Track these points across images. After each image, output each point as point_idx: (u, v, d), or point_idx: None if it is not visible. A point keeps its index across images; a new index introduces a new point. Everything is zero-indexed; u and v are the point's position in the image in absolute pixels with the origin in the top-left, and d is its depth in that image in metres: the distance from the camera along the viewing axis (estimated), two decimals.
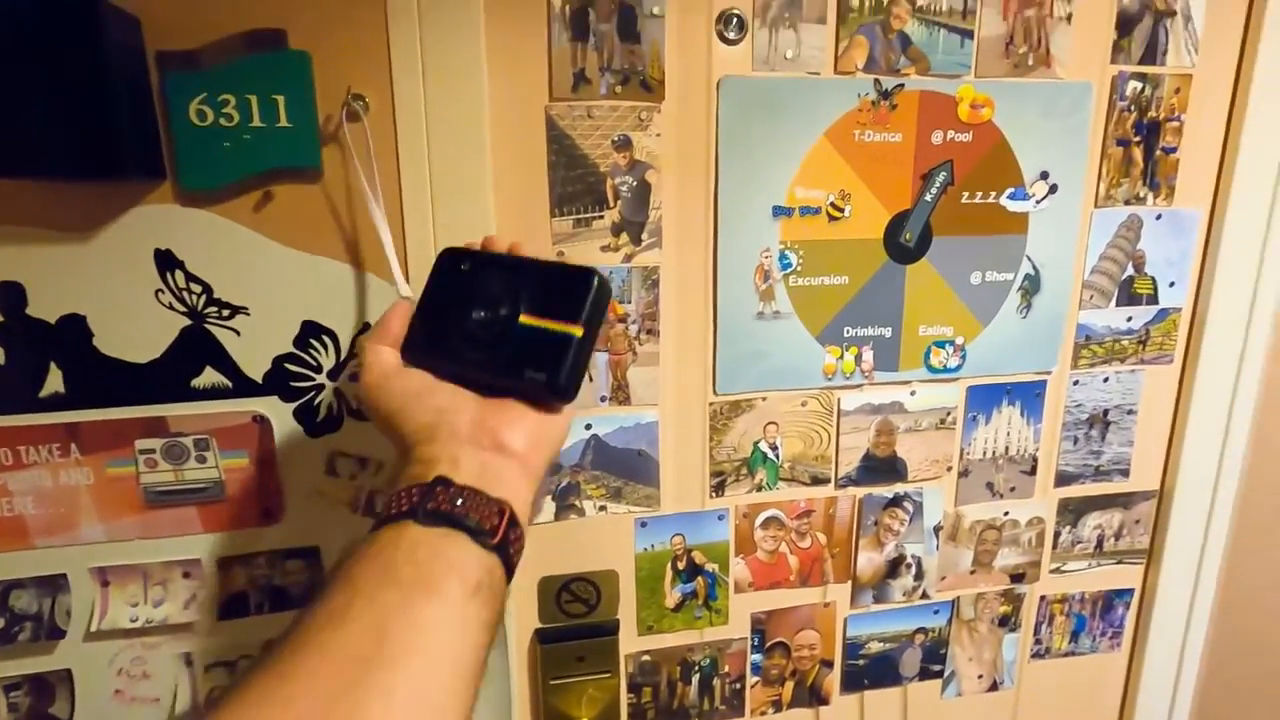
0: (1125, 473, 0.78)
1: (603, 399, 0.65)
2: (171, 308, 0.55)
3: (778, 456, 0.69)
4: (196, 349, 0.56)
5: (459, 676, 0.32)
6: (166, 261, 0.54)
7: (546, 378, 0.40)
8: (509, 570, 0.37)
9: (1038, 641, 0.81)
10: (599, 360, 0.64)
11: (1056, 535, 0.78)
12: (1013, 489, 0.75)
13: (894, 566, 0.75)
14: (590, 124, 0.59)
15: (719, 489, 0.69)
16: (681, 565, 0.70)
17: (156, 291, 0.54)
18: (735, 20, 0.60)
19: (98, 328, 0.54)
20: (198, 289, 0.55)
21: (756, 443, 0.69)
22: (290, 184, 0.54)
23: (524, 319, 0.42)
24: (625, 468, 0.67)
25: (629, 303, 0.63)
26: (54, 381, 0.54)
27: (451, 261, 0.45)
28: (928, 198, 0.66)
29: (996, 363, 0.72)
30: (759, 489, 0.70)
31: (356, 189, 0.55)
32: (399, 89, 0.54)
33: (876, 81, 0.63)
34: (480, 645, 0.33)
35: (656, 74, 0.59)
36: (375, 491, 0.61)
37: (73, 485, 0.56)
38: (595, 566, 0.69)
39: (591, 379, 0.64)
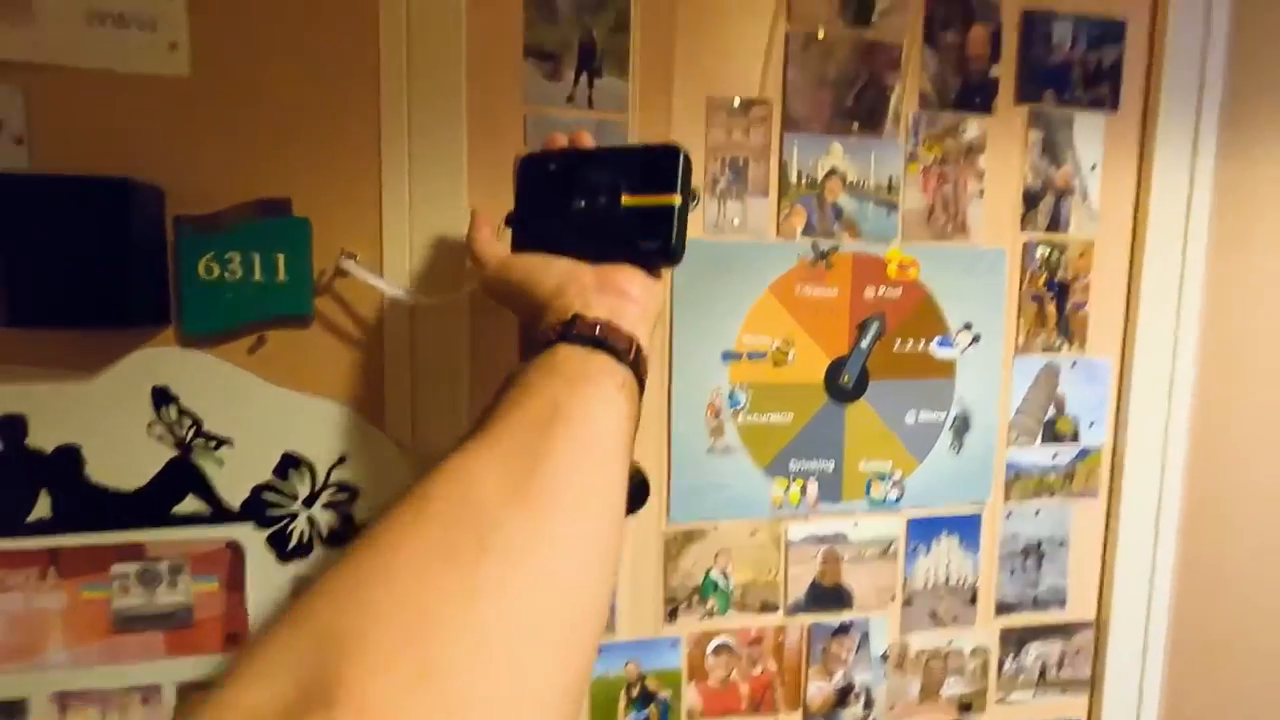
0: (1062, 603, 0.82)
1: None
2: (161, 439, 0.59)
3: (729, 584, 0.73)
4: (181, 478, 0.60)
5: (618, 443, 0.38)
6: (162, 397, 0.59)
7: (660, 245, 0.46)
8: (641, 390, 0.42)
9: None
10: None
11: (1000, 664, 0.81)
12: (955, 618, 0.79)
13: (843, 695, 0.77)
14: None
15: (672, 615, 0.72)
16: (635, 693, 0.72)
17: (149, 424, 0.59)
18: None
19: (90, 458, 0.58)
20: (188, 422, 0.59)
21: (708, 571, 0.72)
22: (283, 329, 0.60)
23: (625, 200, 0.47)
24: None
25: None
26: (42, 507, 0.58)
27: (536, 165, 0.50)
28: (863, 345, 0.73)
29: (933, 496, 0.77)
30: (710, 616, 0.73)
31: (344, 332, 0.61)
32: (388, 250, 0.61)
33: (814, 244, 0.71)
34: (628, 431, 0.39)
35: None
36: None
37: (45, 609, 0.58)
38: None
39: None
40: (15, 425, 0.56)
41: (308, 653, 0.25)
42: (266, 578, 0.62)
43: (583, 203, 0.48)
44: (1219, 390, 0.81)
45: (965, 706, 0.80)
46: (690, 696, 0.73)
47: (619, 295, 0.45)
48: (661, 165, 0.47)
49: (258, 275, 0.58)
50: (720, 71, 0.68)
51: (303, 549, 0.62)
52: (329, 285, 0.60)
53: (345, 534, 0.63)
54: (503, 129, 0.64)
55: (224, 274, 0.58)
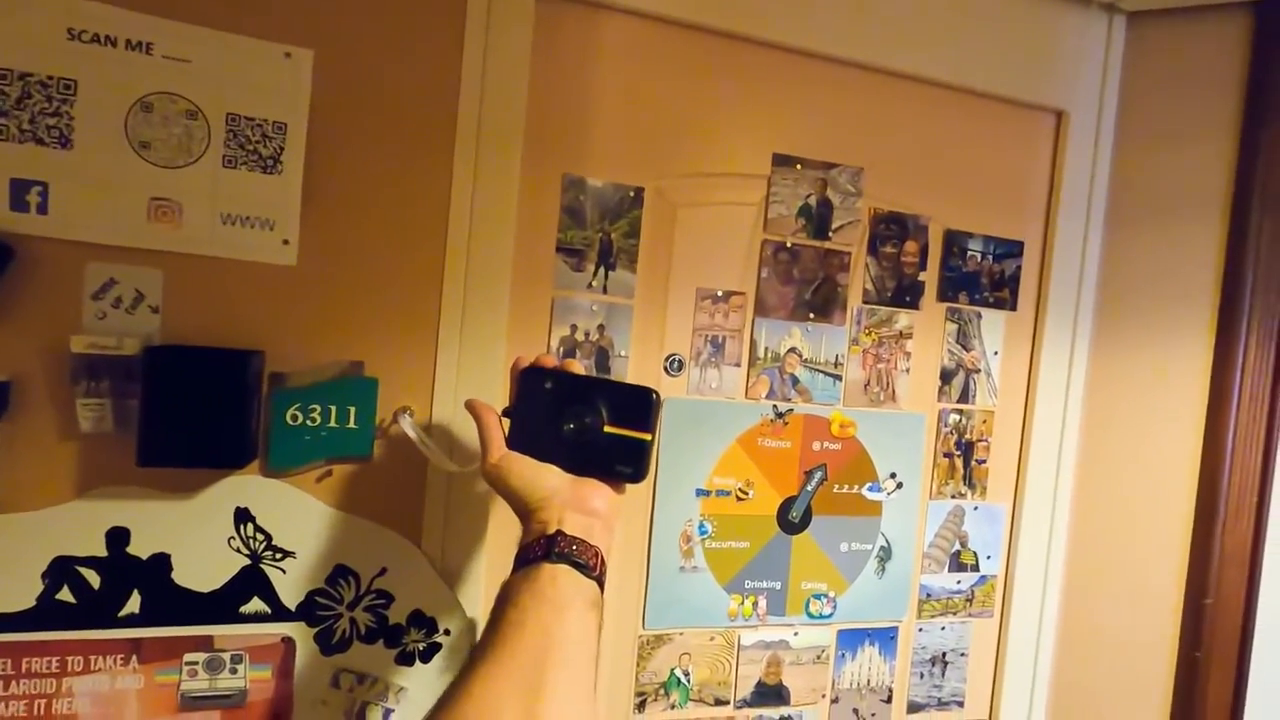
0: (961, 703, 0.99)
1: None
2: (238, 550, 0.72)
3: (689, 681, 0.88)
4: (250, 583, 0.72)
5: (591, 657, 0.52)
6: (242, 516, 0.72)
7: (633, 471, 0.60)
8: (602, 589, 0.57)
9: None
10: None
11: None
12: (873, 715, 0.95)
13: None
14: None
15: (640, 707, 0.86)
16: None
17: (229, 538, 0.71)
18: (677, 361, 0.85)
19: (178, 564, 0.70)
20: (261, 537, 0.72)
21: (673, 669, 0.87)
22: (347, 465, 0.74)
23: (607, 429, 0.60)
24: None
25: None
26: (132, 604, 0.69)
27: (535, 378, 0.62)
28: (809, 488, 0.90)
29: (860, 612, 0.93)
30: (672, 708, 0.87)
31: (395, 469, 0.75)
32: (437, 400, 0.76)
33: (774, 406, 0.89)
34: (597, 641, 0.54)
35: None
36: (366, 703, 0.76)
37: (124, 689, 0.70)
38: None
39: None
40: (121, 536, 0.69)
41: None
42: (311, 667, 0.74)
43: (572, 425, 0.61)
44: (1089, 530, 1.01)
45: None
46: None
47: (589, 513, 0.59)
48: (639, 404, 0.61)
49: (333, 422, 0.72)
50: (708, 268, 0.86)
51: (343, 644, 0.75)
52: (387, 432, 0.75)
53: (379, 632, 0.76)
54: (536, 309, 0.80)
55: (305, 420, 0.72)
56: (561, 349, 0.81)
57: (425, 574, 0.76)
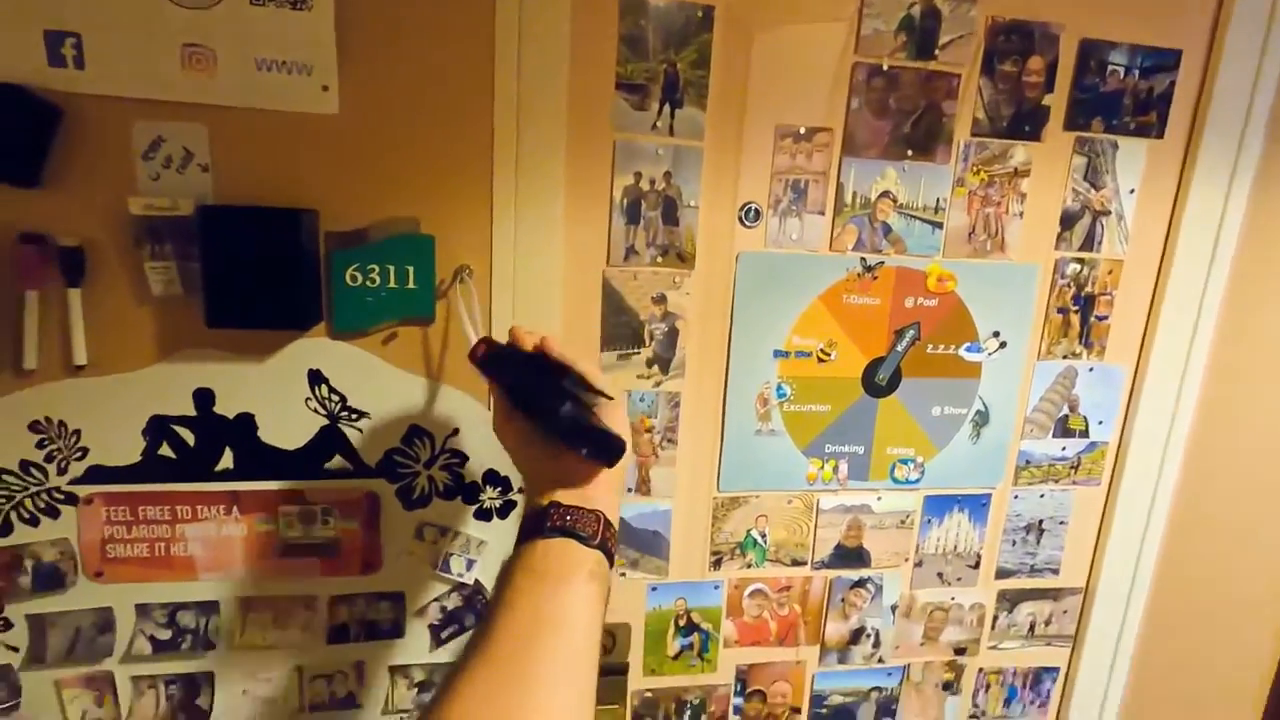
0: (1056, 571, 0.94)
1: (629, 490, 0.82)
2: (316, 411, 0.73)
3: (765, 542, 0.87)
4: (331, 441, 0.74)
5: (589, 636, 0.49)
6: (316, 378, 0.72)
7: (606, 463, 0.58)
8: (610, 559, 0.54)
9: (975, 706, 0.97)
10: (628, 459, 0.82)
11: (995, 619, 0.94)
12: (959, 579, 0.92)
13: (856, 635, 0.91)
14: (636, 284, 0.77)
15: (716, 564, 0.86)
16: (682, 623, 0.87)
17: (306, 399, 0.73)
18: (753, 210, 0.77)
19: (262, 423, 0.72)
20: (336, 398, 0.73)
21: (749, 530, 0.86)
22: (410, 327, 0.73)
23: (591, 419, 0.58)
24: (643, 544, 0.84)
25: (655, 418, 0.81)
26: (226, 460, 0.73)
27: (507, 355, 0.61)
28: (899, 348, 0.83)
29: (949, 478, 0.88)
30: (749, 567, 0.87)
31: (456, 332, 0.73)
32: (496, 259, 0.72)
33: (862, 259, 0.80)
34: (598, 613, 0.51)
35: (690, 248, 0.77)
36: (450, 554, 0.79)
37: (230, 536, 0.75)
38: (613, 619, 0.86)
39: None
40: (206, 396, 0.71)
41: None
42: (395, 521, 0.77)
43: (554, 404, 0.57)
44: (1222, 402, 0.89)
45: (960, 650, 0.94)
46: (727, 629, 0.88)
47: (587, 478, 0.57)
48: (605, 447, 0.57)
49: (392, 283, 0.70)
50: (788, 101, 0.75)
51: (423, 500, 0.77)
52: (447, 292, 0.72)
53: (456, 489, 0.77)
54: (595, 154, 0.73)
55: (365, 282, 0.70)
56: (626, 200, 0.74)
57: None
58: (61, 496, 0.70)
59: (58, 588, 0.72)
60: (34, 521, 0.70)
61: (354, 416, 0.74)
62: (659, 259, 0.77)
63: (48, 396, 0.68)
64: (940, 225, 0.80)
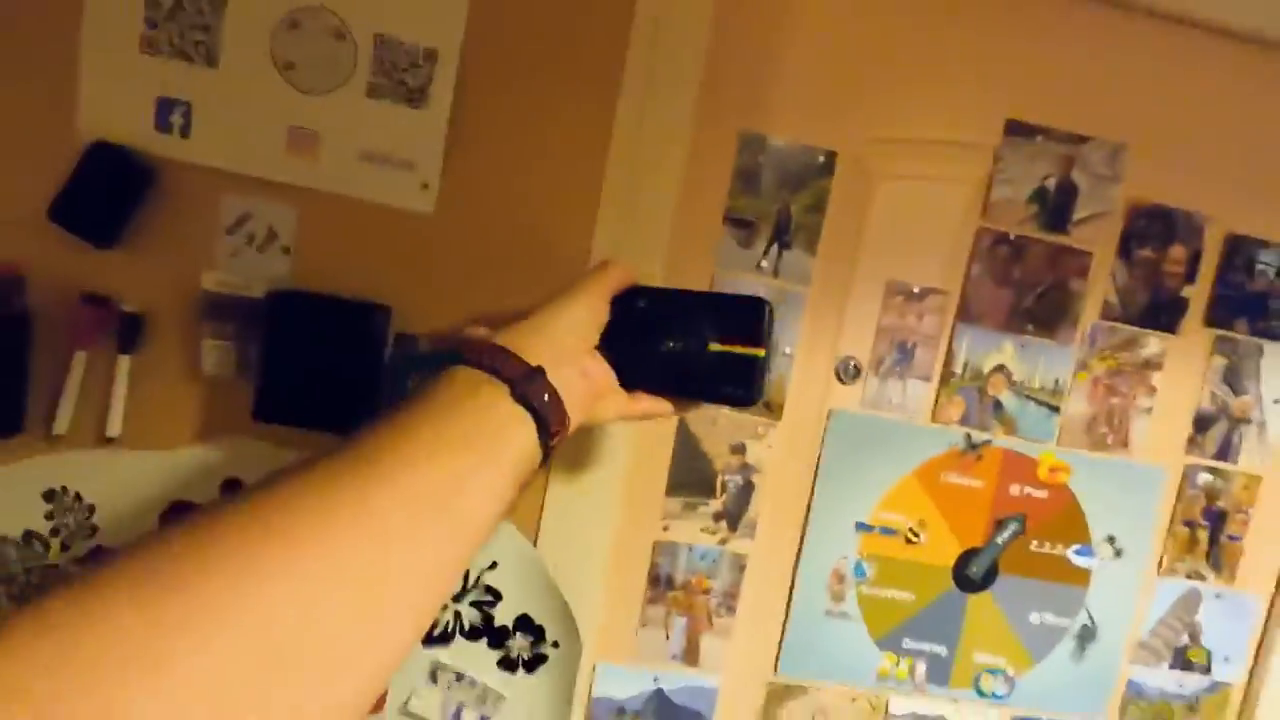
0: None
1: (674, 657, 0.72)
2: None
3: None
4: None
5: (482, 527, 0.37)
6: None
7: (744, 392, 0.49)
8: (544, 435, 0.41)
9: None
10: (676, 621, 0.72)
11: None
12: None
13: None
14: (715, 429, 0.70)
15: None
16: None
17: None
18: (853, 366, 0.71)
19: None
20: None
21: None
22: None
23: (713, 346, 0.49)
24: None
25: (716, 580, 0.72)
26: None
27: (627, 300, 0.50)
28: (999, 540, 0.73)
29: (1044, 700, 0.75)
30: None
31: None
32: None
33: (968, 435, 0.72)
34: (498, 513, 0.38)
35: (779, 399, 0.70)
36: (463, 704, 0.68)
37: None
38: None
39: (668, 637, 0.72)
40: (235, 487, 0.65)
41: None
42: (410, 657, 0.68)
43: (671, 344, 0.50)
44: None
45: None
46: None
47: (584, 374, 0.46)
48: (749, 317, 0.49)
49: None
50: (904, 258, 0.70)
51: (445, 638, 0.68)
52: None
53: (482, 631, 0.68)
54: (693, 287, 0.68)
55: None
56: None
57: (538, 576, 0.67)
58: (59, 577, 0.63)
59: None
60: (22, 600, 0.63)
61: None
62: None
63: (70, 465, 0.62)
64: (1058, 409, 0.72)
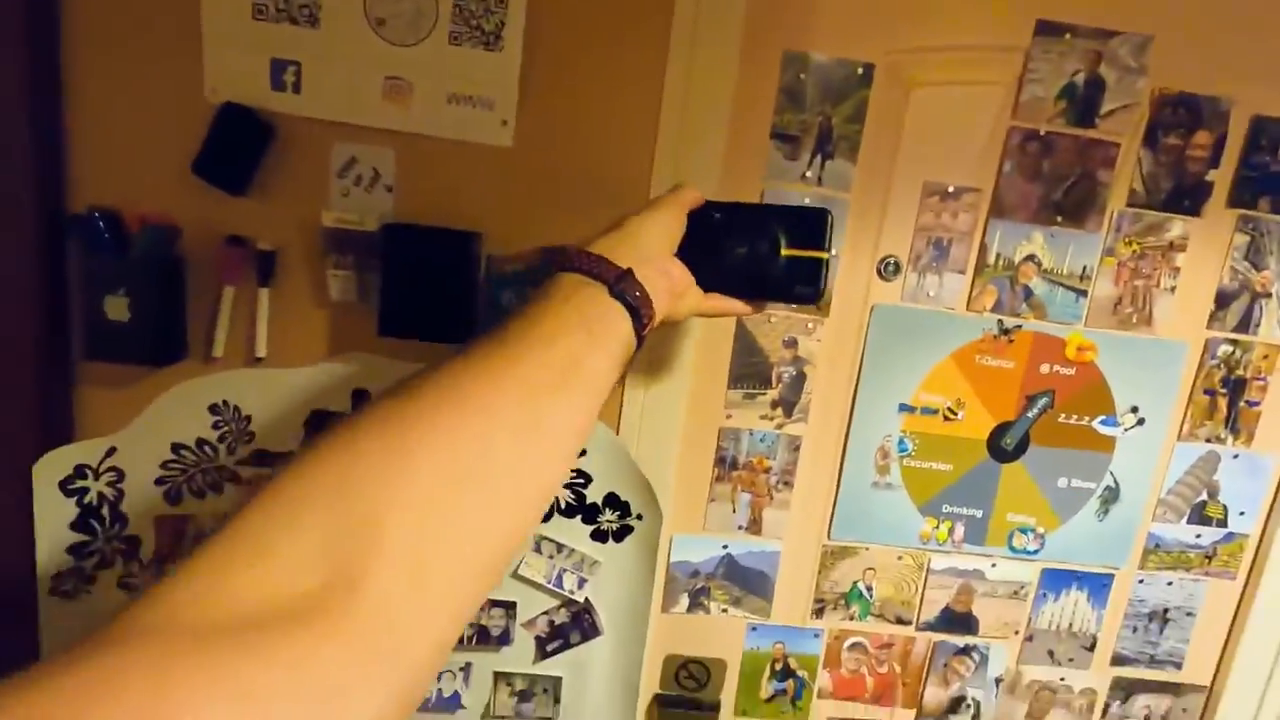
0: (1179, 665, 0.89)
1: (740, 527, 0.83)
2: None
3: (871, 596, 0.85)
4: None
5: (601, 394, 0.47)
6: None
7: (813, 290, 0.59)
8: (636, 325, 0.50)
9: None
10: (741, 496, 0.83)
11: (1106, 707, 0.89)
12: (1071, 659, 0.88)
13: (955, 704, 0.89)
14: (769, 326, 0.79)
15: (819, 613, 0.86)
16: (778, 667, 0.87)
17: None
18: (893, 264, 0.78)
19: None
20: None
21: (856, 582, 0.85)
22: None
23: (785, 252, 0.59)
24: (748, 583, 0.85)
25: (774, 459, 0.82)
26: None
27: (703, 213, 0.58)
28: (1029, 414, 0.81)
29: (1071, 553, 0.85)
30: (851, 619, 0.86)
31: None
32: None
33: (1000, 321, 0.79)
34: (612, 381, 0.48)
35: (826, 297, 0.78)
36: (563, 569, 0.81)
37: None
38: (710, 654, 0.87)
39: (734, 510, 0.83)
40: (363, 397, 0.76)
41: (344, 535, 0.33)
42: None
43: (745, 250, 0.59)
44: None
45: None
46: (823, 679, 0.87)
47: (667, 274, 0.54)
48: (814, 225, 0.59)
49: None
50: (938, 160, 0.76)
51: (546, 515, 0.80)
52: None
53: (577, 508, 0.80)
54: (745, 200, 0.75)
55: (520, 304, 0.74)
56: None
57: (622, 459, 0.78)
58: (228, 474, 0.77)
59: None
60: (200, 494, 0.77)
61: None
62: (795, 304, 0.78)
63: (229, 383, 0.75)
64: (1085, 293, 0.79)
